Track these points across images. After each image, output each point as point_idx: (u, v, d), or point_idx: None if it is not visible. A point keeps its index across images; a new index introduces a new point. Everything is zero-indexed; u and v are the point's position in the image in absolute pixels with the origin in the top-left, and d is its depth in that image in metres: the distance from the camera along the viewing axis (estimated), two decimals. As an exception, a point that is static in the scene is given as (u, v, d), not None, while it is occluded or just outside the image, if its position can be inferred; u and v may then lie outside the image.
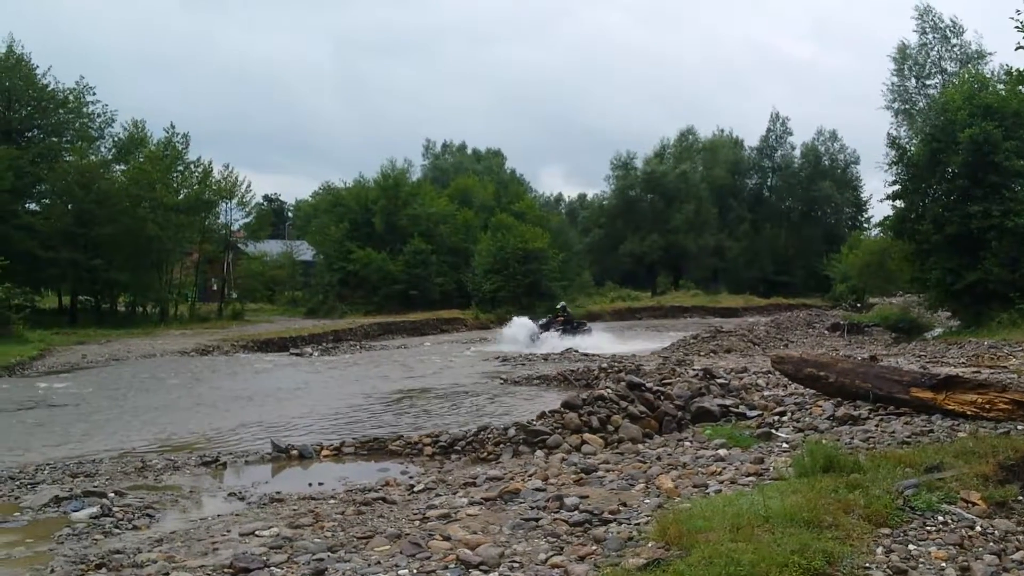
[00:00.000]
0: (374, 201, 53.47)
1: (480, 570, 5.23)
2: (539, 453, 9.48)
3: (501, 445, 10.03)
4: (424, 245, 50.25)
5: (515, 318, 34.16)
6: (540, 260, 48.94)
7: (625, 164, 71.52)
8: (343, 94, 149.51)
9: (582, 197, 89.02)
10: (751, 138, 77.05)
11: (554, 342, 30.54)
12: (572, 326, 33.59)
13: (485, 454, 9.96)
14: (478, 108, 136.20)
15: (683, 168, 69.03)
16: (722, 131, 77.10)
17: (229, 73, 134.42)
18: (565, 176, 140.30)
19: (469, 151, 79.41)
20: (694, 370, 14.66)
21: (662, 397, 11.17)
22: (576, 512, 6.36)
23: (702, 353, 23.62)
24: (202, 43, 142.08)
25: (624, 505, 6.56)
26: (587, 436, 9.86)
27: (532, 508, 6.68)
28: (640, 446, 9.53)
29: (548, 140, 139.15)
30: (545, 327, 32.89)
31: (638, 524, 5.87)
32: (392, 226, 52.37)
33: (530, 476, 7.98)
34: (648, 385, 11.54)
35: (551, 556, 5.38)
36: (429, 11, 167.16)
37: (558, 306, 36.03)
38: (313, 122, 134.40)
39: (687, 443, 9.43)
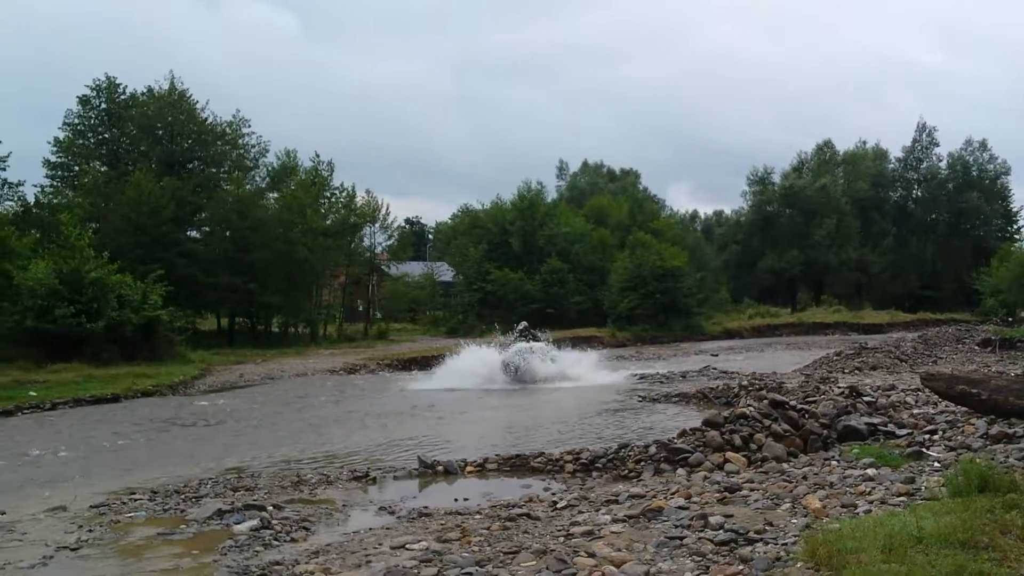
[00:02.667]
0: (511, 222, 54.26)
1: None
2: (681, 471, 9.43)
3: (642, 463, 10.02)
4: (560, 264, 50.58)
5: (470, 346, 27.01)
6: (677, 278, 48.42)
7: (762, 179, 70.00)
8: (466, 118, 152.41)
9: (718, 214, 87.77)
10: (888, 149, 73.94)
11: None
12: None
13: (626, 472, 9.97)
14: (601, 128, 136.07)
15: (823, 182, 66.95)
16: (863, 143, 74.26)
17: (352, 101, 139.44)
18: (690, 193, 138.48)
19: (604, 171, 79.51)
20: (839, 388, 14.23)
21: (807, 415, 10.91)
22: (721, 531, 6.32)
23: (846, 370, 22.85)
24: (324, 72, 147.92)
25: (770, 525, 6.47)
26: (729, 454, 9.74)
27: (676, 526, 6.67)
28: (784, 465, 9.35)
29: (672, 157, 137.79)
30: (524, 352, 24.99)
31: (785, 544, 5.79)
32: (529, 246, 52.97)
33: (672, 494, 7.96)
34: (792, 403, 11.30)
35: (697, 575, 5.39)
36: (546, 35, 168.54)
37: (519, 327, 27.49)
38: (438, 146, 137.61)
39: (834, 462, 9.19)
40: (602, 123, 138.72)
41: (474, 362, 24.96)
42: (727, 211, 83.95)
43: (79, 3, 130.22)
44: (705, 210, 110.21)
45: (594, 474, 10.21)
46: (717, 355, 34.36)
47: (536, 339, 26.28)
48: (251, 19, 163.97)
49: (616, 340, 44.76)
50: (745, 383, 19.41)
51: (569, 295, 50.61)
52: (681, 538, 6.29)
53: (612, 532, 6.75)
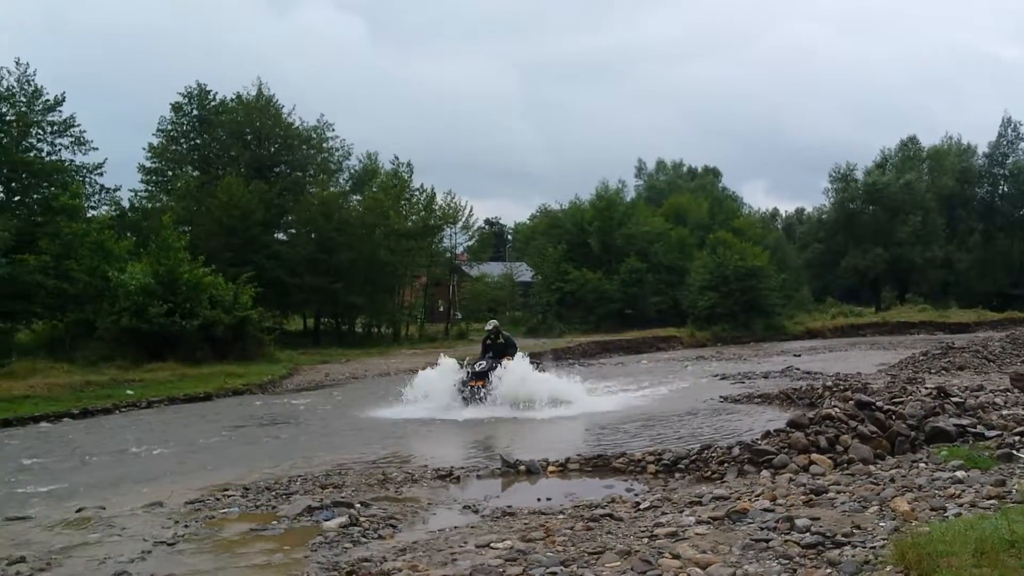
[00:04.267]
0: (589, 222, 54.21)
1: None
2: (765, 473, 9.33)
3: (725, 464, 9.95)
4: (639, 264, 50.32)
5: (441, 359, 20.87)
6: (759, 277, 47.71)
7: (844, 176, 68.37)
8: (539, 120, 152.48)
9: (799, 211, 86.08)
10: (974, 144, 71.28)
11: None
12: (511, 354, 20.04)
13: (709, 473, 9.91)
14: (673, 128, 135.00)
15: (907, 178, 65.04)
16: (949, 138, 71.88)
17: (425, 106, 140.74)
18: (767, 191, 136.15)
19: (683, 169, 78.77)
20: (926, 388, 13.86)
21: (893, 416, 10.68)
22: (808, 534, 6.26)
23: (932, 371, 22.22)
24: (395, 77, 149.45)
25: (858, 528, 6.39)
26: (815, 456, 9.60)
27: (761, 528, 6.63)
28: (871, 467, 9.18)
29: (746, 155, 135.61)
30: (479, 375, 19.37)
31: (874, 548, 5.72)
32: (607, 246, 52.84)
33: (757, 496, 7.89)
34: (878, 404, 11.07)
35: (784, 578, 5.37)
36: (616, 36, 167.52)
37: (487, 326, 21.42)
38: (512, 148, 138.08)
39: (921, 464, 9.00)
40: (675, 123, 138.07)
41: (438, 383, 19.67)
42: (808, 209, 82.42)
43: (146, 13, 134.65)
44: (786, 208, 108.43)
45: (676, 475, 10.16)
46: (800, 355, 33.74)
47: (503, 350, 20.11)
48: (319, 25, 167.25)
49: (695, 340, 44.35)
50: (829, 384, 19.02)
51: (648, 295, 50.32)
52: (767, 540, 6.25)
53: (697, 534, 6.74)
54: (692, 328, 46.52)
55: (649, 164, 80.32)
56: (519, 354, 19.99)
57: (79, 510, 9.93)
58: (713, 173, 79.06)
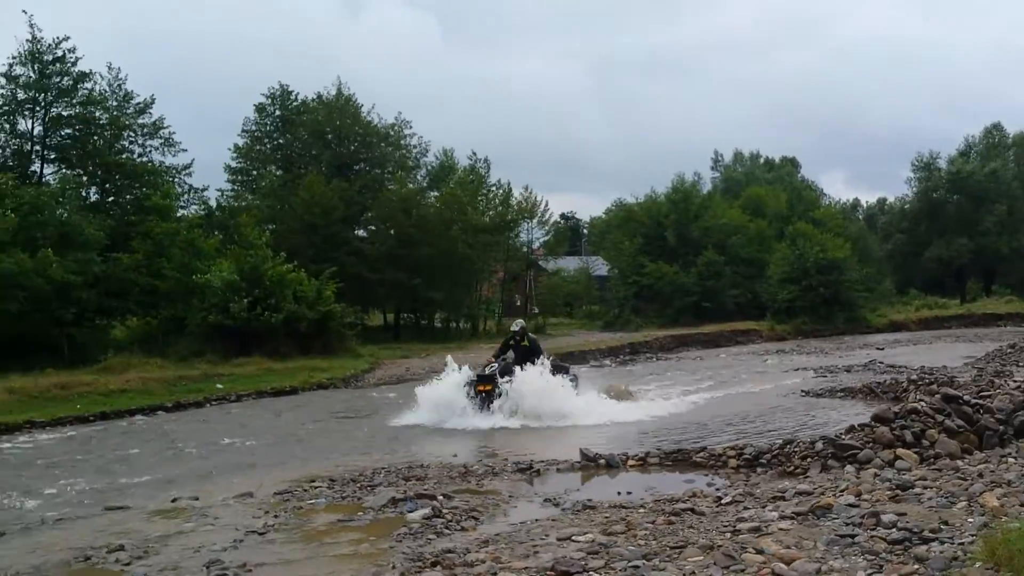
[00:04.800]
0: (665, 215, 53.75)
1: None
2: (849, 468, 9.21)
3: (808, 459, 9.85)
4: (717, 256, 49.74)
5: (448, 363, 18.64)
6: (840, 269, 46.72)
7: (927, 165, 66.18)
8: (612, 114, 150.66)
9: (881, 202, 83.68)
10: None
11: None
12: (533, 360, 17.84)
13: (792, 468, 9.82)
14: (749, 119, 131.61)
15: (992, 166, 62.72)
16: (1036, 123, 68.98)
17: (498, 102, 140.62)
18: (846, 181, 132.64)
19: (760, 160, 77.43)
20: (1015, 381, 13.47)
21: (981, 410, 10.42)
22: (894, 530, 6.18)
23: (1021, 363, 21.54)
24: (468, 74, 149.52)
25: (945, 524, 6.29)
26: (900, 451, 9.44)
27: (846, 524, 6.56)
28: (959, 462, 9.00)
29: (826, 145, 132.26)
30: (503, 372, 17.40)
31: (962, 544, 5.64)
32: (684, 239, 52.36)
33: (841, 491, 7.80)
34: (965, 397, 10.82)
35: (870, 574, 5.32)
36: (689, 29, 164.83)
37: (513, 327, 19.84)
38: (587, 142, 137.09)
39: (1011, 459, 8.79)
40: (751, 114, 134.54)
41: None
42: (890, 199, 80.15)
43: (226, 18, 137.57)
44: (867, 198, 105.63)
45: (758, 470, 10.09)
46: (883, 348, 32.97)
47: (526, 354, 18.10)
48: (392, 24, 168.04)
49: (775, 333, 43.72)
50: (914, 377, 18.64)
51: (726, 288, 49.71)
52: (852, 536, 6.20)
53: (780, 529, 6.70)
54: (772, 321, 45.84)
55: (725, 156, 79.29)
56: (541, 361, 17.65)
57: (174, 500, 10.37)
58: (791, 163, 77.51)
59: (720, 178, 74.97)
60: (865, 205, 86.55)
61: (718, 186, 70.55)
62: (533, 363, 17.48)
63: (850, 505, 7.17)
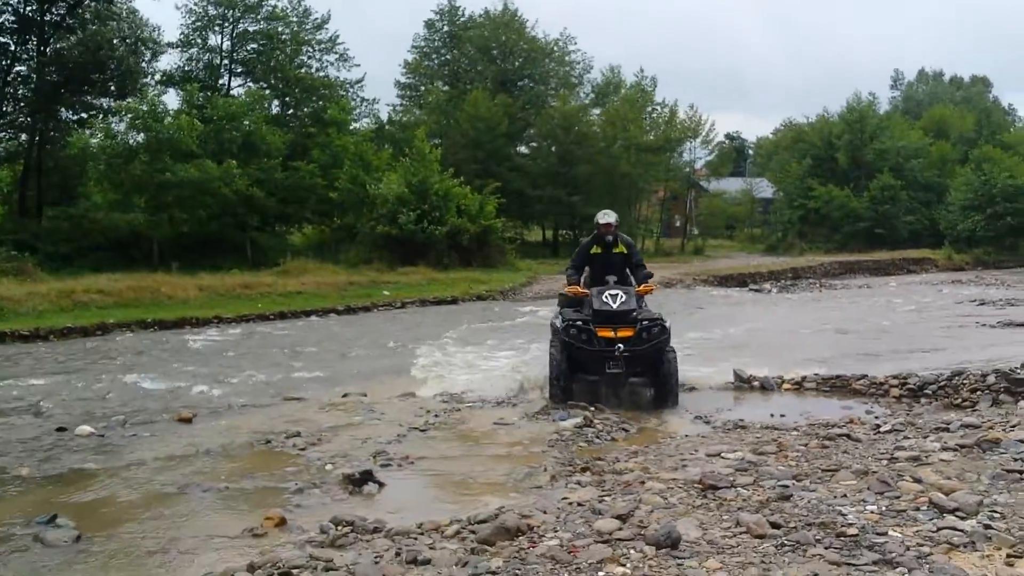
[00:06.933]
0: (838, 136, 51.26)
1: (956, 516, 5.02)
2: (1023, 403, 8.79)
3: (978, 392, 9.41)
4: (893, 181, 47.19)
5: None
6: (1031, 198, 43.35)
7: None
8: (781, 32, 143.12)
9: (1087, 124, 76.32)
10: None
11: None
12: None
13: (959, 400, 9.41)
14: (936, 33, 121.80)
15: None
16: None
17: (661, 22, 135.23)
18: None
19: (946, 80, 72.04)
20: None
21: None
22: (1067, 469, 5.92)
23: None
24: None
25: None
26: (1083, 392, 8.91)
27: (1015, 459, 6.27)
28: None
29: (1013, 63, 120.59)
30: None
31: None
32: (857, 162, 49.91)
33: (1013, 427, 7.44)
34: None
35: (1038, 511, 5.14)
36: None
37: (601, 217, 10.78)
38: (754, 62, 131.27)
39: None
40: (936, 28, 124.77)
41: None
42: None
43: None
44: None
45: (922, 400, 9.73)
46: (1074, 283, 30.60)
47: (625, 264, 10.72)
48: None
49: (952, 263, 41.32)
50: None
51: (900, 214, 47.28)
52: (1021, 472, 5.93)
53: (941, 460, 6.48)
54: (949, 250, 43.31)
55: (907, 74, 74.24)
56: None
57: (344, 395, 11.11)
58: (983, 83, 71.77)
59: (900, 98, 70.55)
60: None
61: (898, 106, 66.49)
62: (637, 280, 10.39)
63: (1021, 441, 6.85)
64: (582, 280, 10.57)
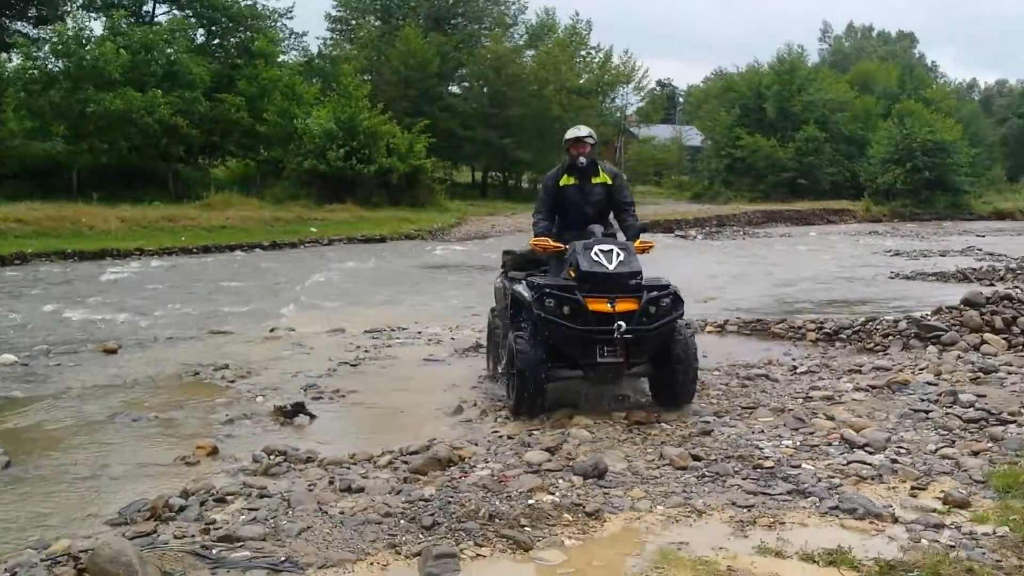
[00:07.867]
0: (767, 87, 51.84)
1: (865, 451, 5.32)
2: (932, 348, 9.12)
3: (890, 337, 9.77)
4: (818, 133, 48.10)
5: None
6: (948, 152, 44.66)
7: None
8: None
9: (1000, 84, 78.68)
10: None
11: None
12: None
13: (872, 344, 9.76)
14: None
15: None
16: None
17: None
18: (955, 59, 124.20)
19: (873, 34, 73.34)
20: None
21: (1082, 302, 10.14)
22: (971, 409, 6.20)
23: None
24: None
25: (1026, 408, 6.31)
26: (988, 336, 9.29)
27: (922, 400, 6.60)
28: (1049, 351, 8.87)
29: (944, 19, 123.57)
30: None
31: (1042, 427, 5.70)
32: (785, 112, 50.61)
33: (921, 370, 7.79)
34: (1067, 290, 10.52)
35: (941, 447, 5.37)
36: None
37: (569, 134, 7.42)
38: (690, 8, 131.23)
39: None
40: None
41: None
42: (1012, 81, 75.32)
43: None
44: (986, 79, 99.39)
45: (837, 344, 10.06)
46: (984, 236, 31.81)
47: (609, 202, 7.53)
48: None
49: (870, 215, 42.46)
50: (1013, 266, 18.11)
51: (824, 165, 48.31)
52: (927, 411, 6.25)
53: (853, 399, 6.79)
54: (868, 202, 44.48)
55: (837, 27, 75.30)
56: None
57: (272, 330, 11.05)
58: (909, 39, 73.31)
59: (828, 51, 71.58)
60: (983, 86, 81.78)
61: (826, 59, 67.46)
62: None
63: (928, 383, 7.19)
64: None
